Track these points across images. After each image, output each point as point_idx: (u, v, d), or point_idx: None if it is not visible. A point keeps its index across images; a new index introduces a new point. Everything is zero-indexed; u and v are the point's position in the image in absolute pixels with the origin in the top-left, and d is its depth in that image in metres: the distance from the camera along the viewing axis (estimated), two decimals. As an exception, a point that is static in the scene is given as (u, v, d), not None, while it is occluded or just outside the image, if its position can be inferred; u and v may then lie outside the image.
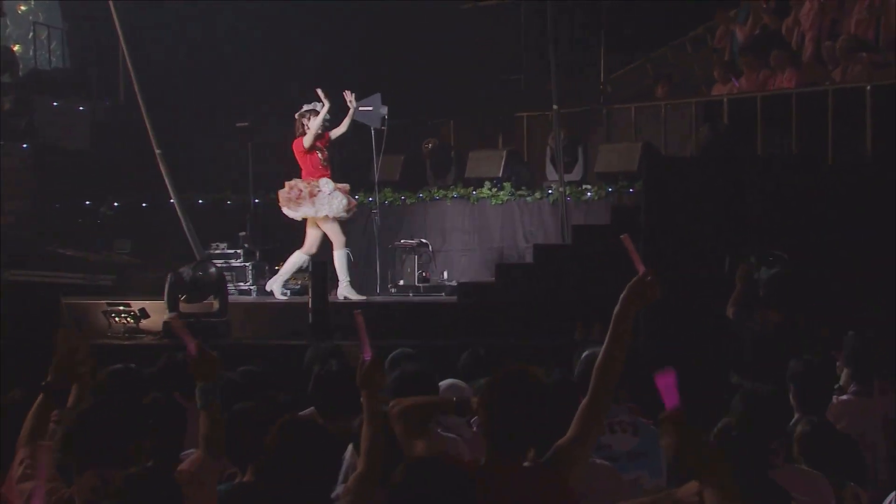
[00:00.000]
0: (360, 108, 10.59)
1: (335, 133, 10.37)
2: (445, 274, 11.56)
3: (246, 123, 11.72)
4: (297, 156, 10.21)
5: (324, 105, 10.13)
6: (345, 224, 10.44)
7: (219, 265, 10.57)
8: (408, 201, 12.11)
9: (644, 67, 13.56)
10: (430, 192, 12.13)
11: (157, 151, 10.70)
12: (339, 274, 10.24)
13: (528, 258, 10.32)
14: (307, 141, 10.11)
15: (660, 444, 3.10)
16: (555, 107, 10.77)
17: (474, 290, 10.39)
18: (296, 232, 10.57)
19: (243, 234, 11.60)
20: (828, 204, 8.63)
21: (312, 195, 10.06)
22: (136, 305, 9.93)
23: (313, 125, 10.06)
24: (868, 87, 10.35)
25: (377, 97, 11.11)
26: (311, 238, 10.30)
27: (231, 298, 10.19)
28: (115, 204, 12.76)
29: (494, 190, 11.73)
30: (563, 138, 11.10)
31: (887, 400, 5.41)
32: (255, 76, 12.80)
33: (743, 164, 9.42)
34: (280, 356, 7.88)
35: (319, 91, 10.14)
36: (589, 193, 11.09)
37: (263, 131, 11.76)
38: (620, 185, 10.97)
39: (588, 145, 11.76)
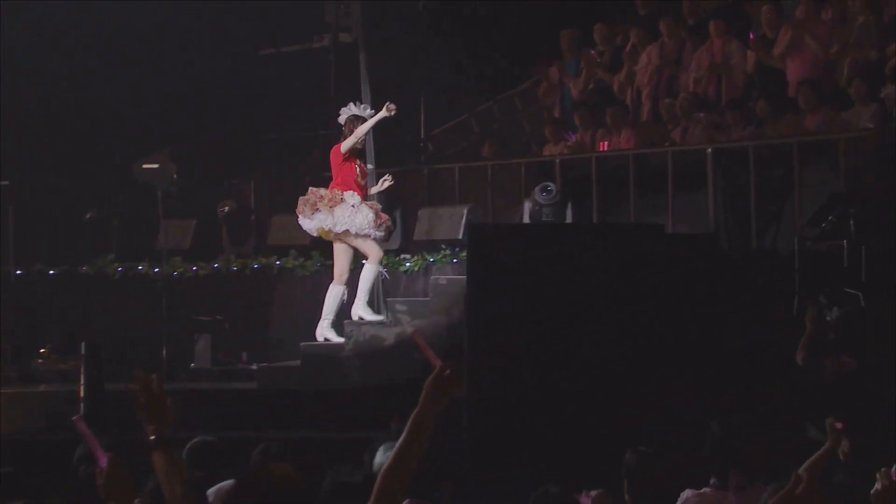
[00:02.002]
0: (145, 167, 10.42)
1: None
2: (244, 356, 11.43)
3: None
4: (334, 164, 9.96)
5: (375, 112, 9.93)
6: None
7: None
8: (200, 272, 11.94)
9: (468, 123, 13.78)
10: (226, 261, 12.00)
11: None
12: (360, 289, 10.01)
13: (339, 338, 10.32)
14: (346, 145, 9.82)
15: None
16: (370, 166, 10.84)
17: (277, 374, 10.29)
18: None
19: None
20: (668, 275, 8.89)
21: (333, 204, 9.76)
22: None
23: (358, 130, 9.83)
24: (709, 150, 10.78)
25: (164, 153, 10.99)
26: (342, 262, 9.97)
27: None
28: None
29: (301, 259, 11.68)
30: (379, 202, 11.17)
31: (744, 497, 5.53)
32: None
33: (577, 232, 9.64)
34: (45, 453, 7.63)
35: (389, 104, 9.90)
36: (408, 264, 11.14)
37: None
38: (443, 255, 11.07)
39: (407, 209, 11.82)
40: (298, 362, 10.27)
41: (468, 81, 13.83)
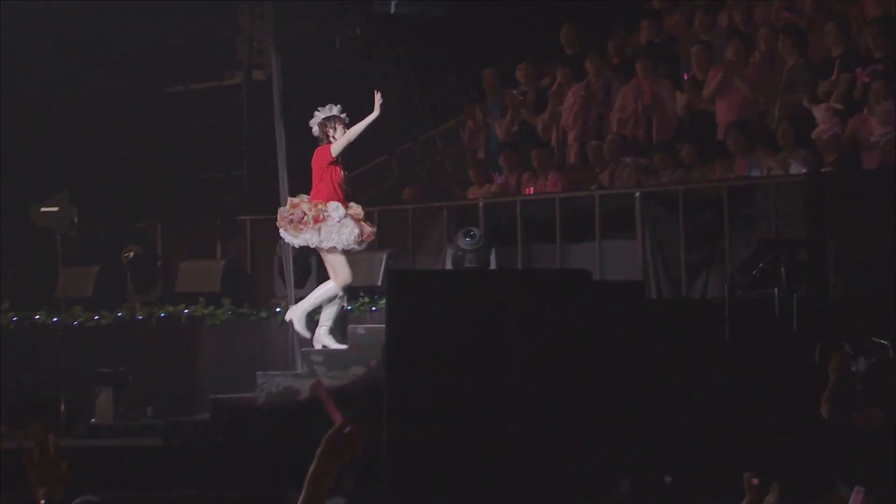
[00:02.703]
0: (42, 210, 10.24)
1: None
2: (149, 410, 11.29)
3: None
4: (317, 169, 9.69)
5: (342, 111, 9.74)
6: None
7: None
8: (103, 321, 11.80)
9: (388, 165, 13.82)
10: (130, 310, 11.87)
11: None
12: (322, 316, 9.88)
13: (252, 389, 10.26)
14: (337, 147, 9.59)
15: None
16: (283, 209, 10.79)
17: (184, 429, 10.18)
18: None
19: None
20: (594, 324, 8.93)
21: (318, 221, 9.62)
22: None
23: (353, 130, 9.61)
24: (637, 194, 10.89)
25: (64, 195, 10.87)
26: (336, 265, 9.73)
27: None
28: None
29: (211, 308, 11.60)
30: (293, 247, 11.12)
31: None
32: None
33: (501, 278, 9.67)
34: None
35: (378, 95, 9.69)
36: (324, 312, 11.15)
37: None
38: (361, 303, 11.03)
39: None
40: (207, 416, 10.16)
41: (388, 121, 13.85)
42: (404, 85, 13.39)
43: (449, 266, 11.04)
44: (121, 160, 12.75)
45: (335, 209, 9.59)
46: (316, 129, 9.75)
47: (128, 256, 12.18)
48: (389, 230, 11.87)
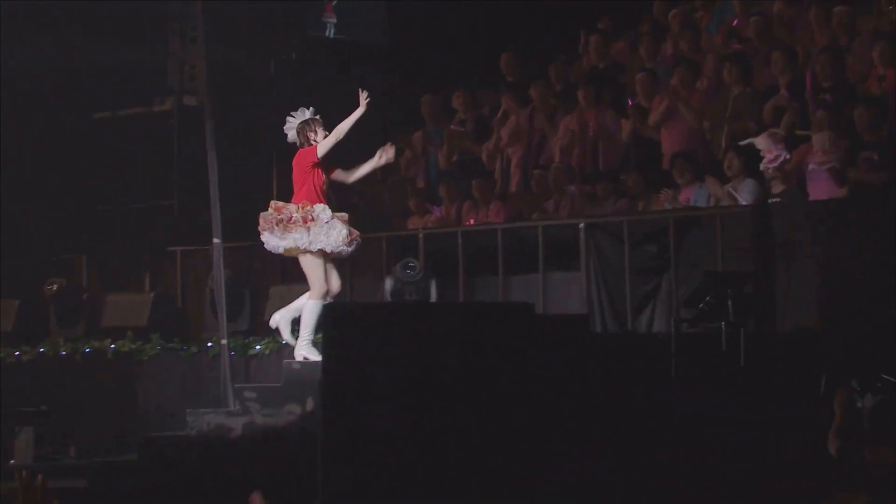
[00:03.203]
0: None
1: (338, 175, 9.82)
2: (73, 450, 11.15)
3: None
4: (299, 171, 9.67)
5: (315, 113, 9.72)
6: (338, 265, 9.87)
7: None
8: (24, 357, 11.67)
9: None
10: (54, 345, 11.74)
11: None
12: (303, 327, 9.82)
13: (182, 428, 10.10)
14: (324, 147, 9.54)
15: None
16: (216, 240, 10.72)
17: (110, 470, 10.05)
18: None
19: None
20: (537, 359, 8.81)
21: (307, 221, 9.60)
22: None
23: (340, 127, 9.58)
24: (581, 225, 10.91)
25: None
26: (319, 274, 9.71)
27: None
28: None
29: (139, 343, 11.49)
30: (226, 279, 11.05)
31: None
32: None
33: (441, 311, 9.61)
34: None
35: (363, 94, 9.67)
36: (258, 347, 11.05)
37: None
38: (294, 336, 11.00)
39: (258, 288, 11.78)
40: (135, 456, 10.05)
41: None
42: (340, 109, 13.41)
43: (388, 299, 11.03)
44: (44, 189, 12.62)
45: (323, 210, 9.61)
46: (292, 135, 9.75)
47: (51, 289, 12.07)
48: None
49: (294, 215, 9.60)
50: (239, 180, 12.60)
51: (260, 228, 9.75)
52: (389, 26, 14.89)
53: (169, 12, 12.93)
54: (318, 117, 9.71)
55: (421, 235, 11.69)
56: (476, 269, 11.34)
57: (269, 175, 13.01)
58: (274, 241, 9.71)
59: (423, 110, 13.51)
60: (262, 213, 9.73)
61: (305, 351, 9.92)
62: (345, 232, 9.68)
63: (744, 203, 10.76)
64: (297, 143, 9.72)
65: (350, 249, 9.80)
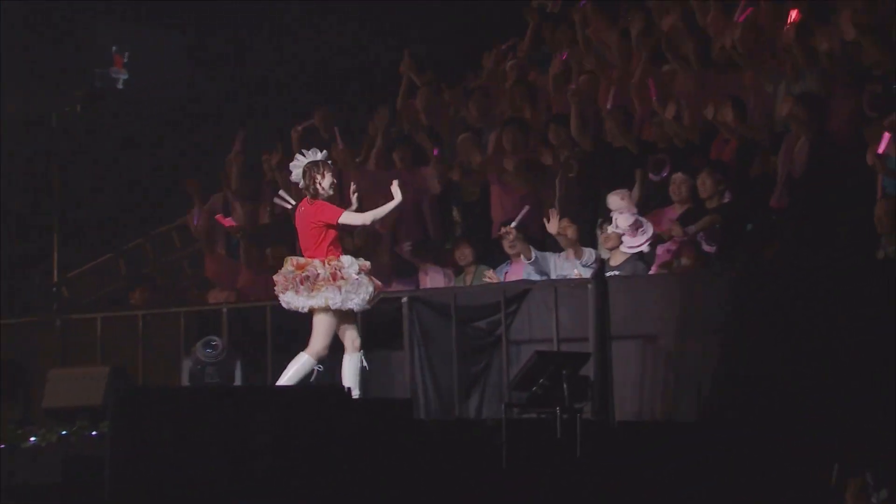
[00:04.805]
0: None
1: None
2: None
3: None
4: (314, 226, 9.51)
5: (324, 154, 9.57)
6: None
7: None
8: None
9: (115, 264, 13.57)
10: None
11: None
12: (282, 379, 9.69)
13: None
14: (347, 220, 9.43)
15: None
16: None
17: None
18: None
19: None
20: (357, 448, 8.81)
21: (336, 278, 9.44)
22: None
23: (375, 213, 9.53)
24: (404, 299, 10.91)
25: None
26: (327, 336, 9.56)
27: None
28: None
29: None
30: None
31: None
32: None
33: (247, 395, 9.52)
34: None
35: (395, 183, 9.59)
36: (33, 439, 10.71)
37: None
38: (79, 427, 10.67)
39: (34, 371, 11.54)
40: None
41: (112, 212, 13.65)
42: (131, 170, 13.27)
43: (186, 382, 10.89)
44: None
45: (350, 265, 9.55)
46: (297, 174, 9.62)
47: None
48: (115, 340, 11.68)
49: (321, 272, 9.50)
50: (20, 251, 12.41)
51: (278, 290, 9.64)
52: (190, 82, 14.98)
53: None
54: (329, 161, 9.64)
55: (224, 310, 11.57)
56: (288, 346, 11.20)
57: (51, 243, 12.73)
58: (300, 300, 9.56)
59: (224, 173, 13.47)
60: (280, 272, 9.61)
61: None
62: (371, 289, 9.60)
63: (582, 276, 10.82)
64: (301, 185, 9.59)
65: (370, 307, 9.73)
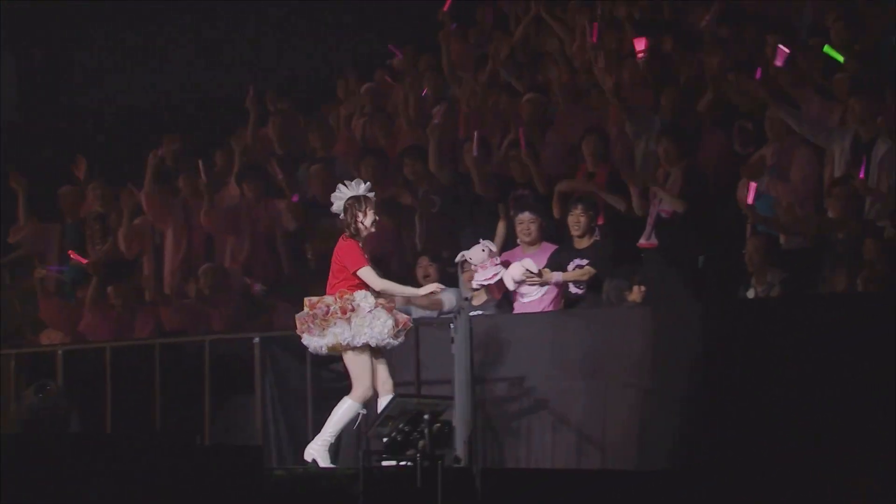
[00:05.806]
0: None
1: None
2: None
3: None
4: (339, 265, 9.58)
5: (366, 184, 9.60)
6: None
7: None
8: None
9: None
10: None
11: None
12: (327, 425, 9.71)
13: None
14: (368, 278, 9.47)
15: None
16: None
17: None
18: None
19: None
20: (204, 499, 8.58)
21: (346, 312, 9.40)
22: None
23: (400, 292, 9.75)
24: (256, 339, 10.71)
25: None
26: (365, 375, 9.57)
27: None
28: None
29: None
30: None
31: None
32: None
33: (82, 444, 9.13)
34: None
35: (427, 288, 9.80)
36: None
37: None
38: None
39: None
40: None
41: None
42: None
43: (17, 430, 10.57)
44: None
45: (364, 298, 9.55)
46: (338, 206, 9.60)
47: None
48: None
49: (332, 307, 9.54)
50: None
51: (298, 331, 9.68)
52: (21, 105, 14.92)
53: None
54: (372, 196, 9.60)
55: (60, 353, 11.39)
56: (128, 391, 10.93)
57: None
58: (315, 341, 9.61)
59: (62, 202, 13.30)
60: (298, 315, 9.68)
61: (317, 453, 9.76)
62: (390, 322, 9.58)
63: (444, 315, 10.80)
64: (341, 216, 9.64)
65: (397, 342, 9.71)
